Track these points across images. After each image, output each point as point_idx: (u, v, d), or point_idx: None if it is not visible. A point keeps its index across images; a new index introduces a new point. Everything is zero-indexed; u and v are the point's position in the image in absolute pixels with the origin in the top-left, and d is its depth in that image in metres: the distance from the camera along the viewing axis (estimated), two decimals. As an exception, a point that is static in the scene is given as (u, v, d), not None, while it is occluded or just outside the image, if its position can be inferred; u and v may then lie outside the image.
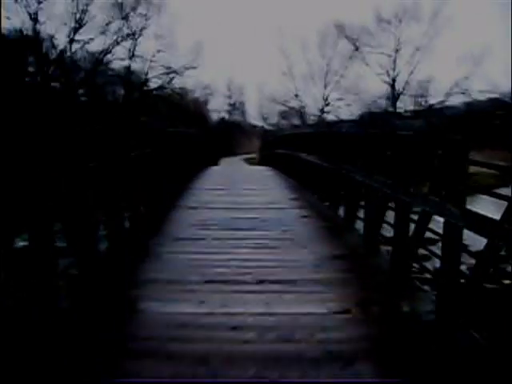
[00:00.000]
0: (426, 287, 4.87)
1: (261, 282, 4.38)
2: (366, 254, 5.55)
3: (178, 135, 12.38)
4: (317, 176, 9.59)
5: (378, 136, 5.70)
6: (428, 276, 5.03)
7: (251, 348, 3.15)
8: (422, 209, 4.53)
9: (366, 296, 4.14)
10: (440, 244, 4.07)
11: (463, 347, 3.26)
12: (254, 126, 52.88)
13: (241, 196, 9.86)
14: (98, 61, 37.97)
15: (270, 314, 3.69)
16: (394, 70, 39.95)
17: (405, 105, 41.91)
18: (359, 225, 6.84)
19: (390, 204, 5.57)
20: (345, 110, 44.60)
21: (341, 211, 7.95)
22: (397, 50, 39.42)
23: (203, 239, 5.94)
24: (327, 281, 4.46)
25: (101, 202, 5.50)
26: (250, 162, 34.24)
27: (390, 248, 6.42)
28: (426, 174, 5.06)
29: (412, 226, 4.97)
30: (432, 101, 40.40)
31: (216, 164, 24.03)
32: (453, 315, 3.69)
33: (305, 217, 7.54)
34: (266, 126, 49.28)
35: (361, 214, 6.88)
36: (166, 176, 9.84)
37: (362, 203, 6.68)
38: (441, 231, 4.41)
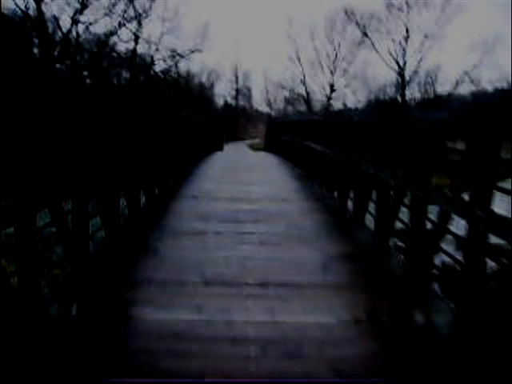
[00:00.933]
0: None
1: (264, 284, 4.02)
2: (376, 253, 5.20)
3: (182, 120, 12.00)
4: (325, 166, 9.22)
5: (393, 126, 5.31)
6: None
7: (253, 366, 2.80)
8: (441, 208, 4.18)
9: (378, 303, 3.78)
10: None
11: (485, 366, 2.91)
12: (260, 112, 52.46)
13: (244, 185, 9.51)
14: (103, 43, 37.48)
15: (274, 324, 3.34)
16: (403, 57, 39.22)
17: (412, 93, 41.36)
18: (368, 219, 6.52)
19: (404, 199, 5.24)
20: (351, 97, 44.14)
21: (349, 204, 7.62)
22: (407, 37, 38.71)
23: (203, 233, 5.59)
24: (335, 284, 4.11)
25: (96, 190, 5.17)
26: (254, 147, 33.84)
27: (402, 245, 6.15)
28: (443, 168, 4.70)
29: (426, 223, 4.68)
30: (440, 89, 39.81)
31: (221, 149, 23.66)
32: (475, 330, 3.36)
33: (311, 210, 7.18)
34: (272, 112, 48.92)
35: (371, 207, 6.55)
36: (169, 163, 9.50)
37: (372, 196, 6.36)
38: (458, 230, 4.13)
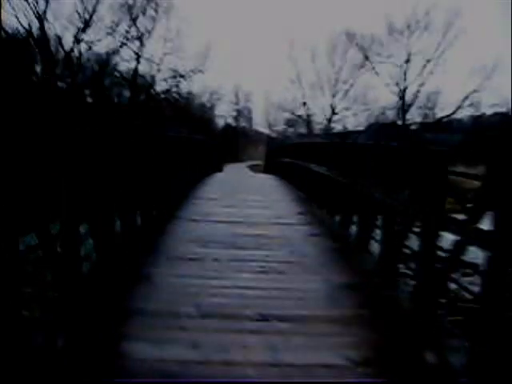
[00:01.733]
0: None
1: (265, 318, 3.73)
2: (383, 284, 4.88)
3: (182, 140, 11.77)
4: (327, 189, 8.95)
5: (403, 150, 5.05)
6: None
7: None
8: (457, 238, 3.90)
9: (388, 341, 3.49)
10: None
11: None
12: (260, 133, 52.38)
13: (245, 208, 9.22)
14: (105, 62, 37.53)
15: (276, 366, 3.04)
16: (404, 80, 39.24)
17: (412, 117, 41.28)
18: (373, 245, 6.25)
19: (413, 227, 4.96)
20: (352, 119, 44.10)
21: (353, 228, 7.35)
22: (407, 61, 38.75)
23: (201, 260, 5.29)
24: (341, 319, 3.81)
25: (89, 210, 4.89)
26: (254, 169, 33.64)
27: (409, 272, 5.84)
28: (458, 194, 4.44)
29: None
30: (441, 113, 39.77)
31: (220, 170, 23.46)
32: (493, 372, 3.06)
33: (314, 235, 6.89)
34: (272, 134, 48.85)
35: (375, 233, 6.27)
36: (168, 184, 9.24)
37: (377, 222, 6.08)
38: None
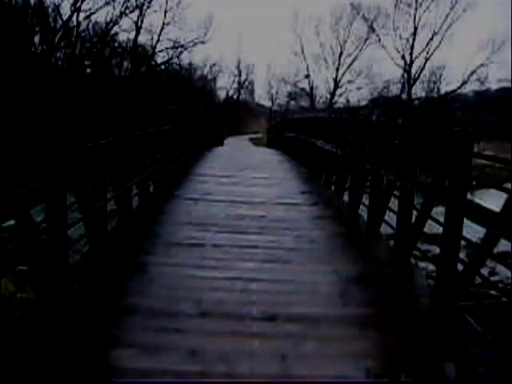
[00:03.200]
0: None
1: (272, 318, 3.33)
2: (398, 275, 4.48)
3: (181, 113, 11.29)
4: (334, 168, 8.52)
5: (429, 128, 4.59)
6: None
7: None
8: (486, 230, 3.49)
9: (406, 349, 3.08)
10: None
11: None
12: (262, 106, 51.73)
13: (247, 186, 8.79)
14: (104, 32, 36.70)
15: (286, 378, 2.65)
16: (410, 54, 38.41)
17: (416, 91, 40.57)
18: (385, 228, 5.87)
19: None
20: (355, 93, 43.41)
21: (362, 210, 6.95)
22: (414, 34, 37.87)
23: (201, 245, 4.88)
24: (357, 319, 3.41)
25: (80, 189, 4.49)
26: (256, 142, 33.16)
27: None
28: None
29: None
30: (446, 88, 39.03)
31: (222, 144, 22.96)
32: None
33: (322, 217, 6.47)
34: (274, 107, 48.25)
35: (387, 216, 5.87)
36: (166, 158, 8.80)
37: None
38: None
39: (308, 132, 11.72)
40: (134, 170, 6.46)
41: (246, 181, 9.48)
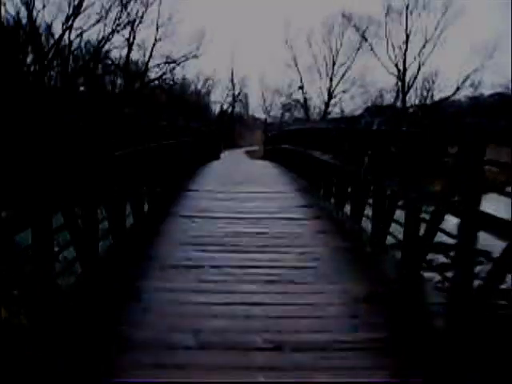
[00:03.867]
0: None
1: (279, 347, 3.06)
2: (410, 291, 4.21)
3: (176, 129, 11.06)
4: (334, 179, 8.28)
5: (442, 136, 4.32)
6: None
7: None
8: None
9: (432, 376, 2.82)
10: None
11: None
12: (256, 119, 51.63)
13: (245, 201, 8.52)
14: (96, 50, 36.56)
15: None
16: (404, 61, 38.35)
17: (410, 99, 40.46)
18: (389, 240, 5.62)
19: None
20: (349, 103, 43.33)
21: (364, 222, 6.70)
22: (406, 42, 37.84)
23: (198, 267, 4.60)
24: (371, 345, 3.13)
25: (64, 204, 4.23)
26: (252, 155, 32.94)
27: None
28: None
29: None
30: (441, 95, 38.94)
31: (218, 158, 22.75)
32: None
33: (324, 232, 6.20)
34: (269, 119, 48.15)
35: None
36: (161, 175, 8.56)
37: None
38: None
39: (305, 143, 11.50)
40: (127, 188, 6.22)
41: (244, 195, 9.22)
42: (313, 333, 3.27)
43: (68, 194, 4.18)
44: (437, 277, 5.94)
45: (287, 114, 47.88)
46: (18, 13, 31.79)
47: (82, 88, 36.99)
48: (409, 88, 39.18)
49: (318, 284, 4.24)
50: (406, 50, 38.21)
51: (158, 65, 37.89)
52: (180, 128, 11.97)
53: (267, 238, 5.75)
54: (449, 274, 4.41)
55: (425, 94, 40.04)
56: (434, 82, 39.10)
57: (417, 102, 40.25)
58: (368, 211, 6.68)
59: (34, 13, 32.80)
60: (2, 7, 27.88)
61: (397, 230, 5.65)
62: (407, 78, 39.34)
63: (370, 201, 6.50)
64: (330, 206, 8.15)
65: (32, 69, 33.77)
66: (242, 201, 8.54)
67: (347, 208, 7.66)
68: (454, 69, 54.95)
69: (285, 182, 11.75)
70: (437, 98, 39.09)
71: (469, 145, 3.68)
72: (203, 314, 3.51)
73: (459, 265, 3.81)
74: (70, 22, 33.91)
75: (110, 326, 3.37)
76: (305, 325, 3.40)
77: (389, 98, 41.40)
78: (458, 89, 37.40)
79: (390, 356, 3.02)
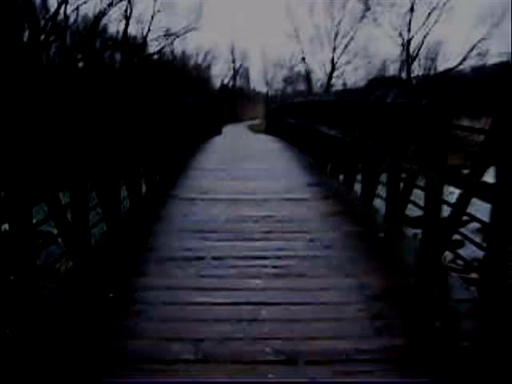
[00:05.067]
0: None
1: (292, 359, 2.64)
2: (435, 285, 3.78)
3: (175, 104, 10.55)
4: (343, 156, 7.82)
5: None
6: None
7: None
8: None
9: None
10: None
11: None
12: (258, 92, 50.91)
13: (248, 180, 8.09)
14: (94, 24, 35.73)
15: None
16: (408, 31, 37.37)
17: (414, 70, 39.56)
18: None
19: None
20: (352, 74, 42.55)
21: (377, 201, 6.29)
22: (411, 10, 36.78)
23: (199, 259, 4.18)
24: (396, 356, 2.71)
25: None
26: (254, 129, 32.46)
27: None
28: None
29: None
30: (445, 65, 38.03)
31: (220, 133, 22.29)
32: None
33: (334, 214, 5.77)
34: (271, 92, 47.49)
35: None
36: (160, 153, 8.10)
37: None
38: None
39: (310, 117, 10.99)
40: (122, 169, 5.80)
41: (247, 173, 8.80)
42: (330, 339, 2.85)
43: (51, 178, 3.75)
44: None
45: (289, 88, 47.09)
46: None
47: (80, 64, 36.30)
48: (414, 59, 38.26)
49: (332, 278, 3.81)
50: (410, 18, 37.15)
51: (157, 38, 37.05)
52: (180, 103, 11.46)
53: (273, 223, 5.32)
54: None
55: (430, 64, 39.15)
56: (440, 52, 38.18)
57: (421, 73, 39.36)
58: (380, 190, 6.27)
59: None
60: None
61: (412, 210, 5.25)
62: (412, 49, 38.42)
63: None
64: (339, 185, 7.71)
65: (28, 46, 33.05)
66: (246, 179, 8.11)
67: (356, 186, 7.25)
68: (460, 38, 53.71)
69: (289, 158, 11.29)
70: (442, 68, 38.21)
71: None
72: (204, 318, 3.09)
73: (490, 254, 3.40)
74: (65, -4, 33.05)
75: (102, 333, 2.97)
76: (320, 329, 2.98)
77: (393, 69, 40.57)
78: (464, 59, 36.48)
79: (420, 369, 2.60)
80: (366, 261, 4.22)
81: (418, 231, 6.07)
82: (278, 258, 4.21)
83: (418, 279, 3.86)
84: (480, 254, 4.05)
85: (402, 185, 5.19)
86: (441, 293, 3.66)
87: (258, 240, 4.71)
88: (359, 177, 6.91)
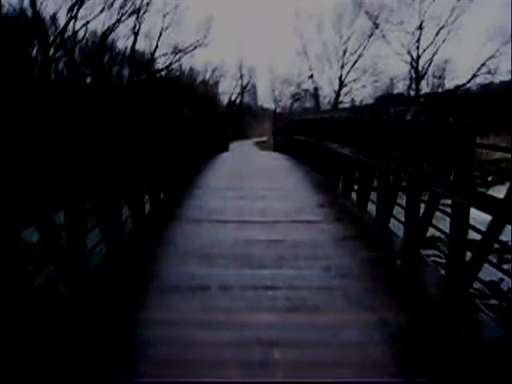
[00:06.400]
0: None
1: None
2: (462, 324, 3.42)
3: (183, 121, 10.27)
4: (355, 175, 7.50)
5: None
6: None
7: None
8: None
9: None
10: None
11: None
12: (265, 109, 50.74)
13: (257, 199, 7.74)
14: (102, 39, 35.81)
15: None
16: (417, 48, 37.19)
17: (422, 87, 39.35)
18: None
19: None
20: (360, 92, 42.38)
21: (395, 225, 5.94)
22: (420, 28, 36.65)
23: (205, 288, 3.82)
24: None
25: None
26: (262, 146, 32.24)
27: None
28: None
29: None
30: (456, 82, 37.78)
31: (227, 149, 22.04)
32: None
33: (349, 238, 5.40)
34: (278, 109, 47.37)
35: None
36: (166, 171, 7.81)
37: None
38: None
39: (321, 134, 10.66)
40: (124, 187, 5.50)
41: (255, 192, 8.45)
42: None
43: (43, 197, 3.43)
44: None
45: (297, 104, 46.95)
46: (21, 2, 31.04)
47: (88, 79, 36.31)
48: (422, 76, 38.04)
49: (350, 313, 3.44)
50: (418, 36, 37.00)
51: (165, 54, 37.07)
52: (187, 119, 11.19)
53: (284, 248, 4.96)
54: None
55: (438, 82, 38.93)
56: (449, 69, 37.96)
57: (428, 90, 39.15)
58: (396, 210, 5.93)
59: (38, 3, 32.07)
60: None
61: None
62: (420, 67, 38.22)
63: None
64: (352, 205, 7.37)
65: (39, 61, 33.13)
66: (254, 199, 7.76)
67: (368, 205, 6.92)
68: (468, 56, 53.48)
69: (299, 177, 10.95)
70: (450, 86, 37.96)
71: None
72: (209, 363, 2.73)
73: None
74: (74, 12, 33.16)
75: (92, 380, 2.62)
76: (341, 375, 2.61)
77: (400, 87, 40.38)
78: (474, 76, 36.23)
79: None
80: (386, 292, 3.85)
81: (429, 251, 5.77)
82: (291, 288, 3.85)
83: (443, 315, 3.49)
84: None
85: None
86: (469, 332, 3.28)
87: (268, 268, 4.35)
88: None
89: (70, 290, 3.69)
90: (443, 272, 4.51)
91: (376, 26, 38.22)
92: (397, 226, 6.11)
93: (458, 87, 35.89)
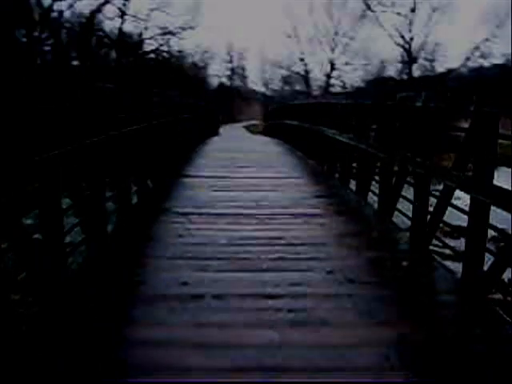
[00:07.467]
0: None
1: None
2: (484, 336, 3.05)
3: (170, 106, 9.81)
4: (354, 163, 7.11)
5: None
6: None
7: None
8: None
9: None
10: None
11: None
12: (256, 92, 50.08)
13: (250, 189, 7.33)
14: (89, 21, 34.93)
15: None
16: (410, 31, 36.64)
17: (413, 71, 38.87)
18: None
19: None
20: (352, 74, 41.91)
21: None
22: (413, 10, 36.05)
23: (197, 298, 3.41)
24: None
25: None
26: (252, 130, 31.73)
27: None
28: None
29: None
30: (446, 66, 37.37)
31: (217, 133, 21.59)
32: None
33: (351, 235, 5.00)
34: (268, 92, 46.85)
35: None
36: (153, 159, 7.37)
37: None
38: None
39: (316, 120, 10.23)
40: (109, 178, 5.09)
41: (248, 182, 8.03)
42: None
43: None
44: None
45: (287, 88, 46.39)
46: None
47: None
48: (415, 59, 37.54)
49: (362, 327, 3.04)
50: (411, 19, 36.44)
51: (153, 36, 36.26)
52: (176, 104, 10.71)
53: (283, 247, 4.56)
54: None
55: (430, 65, 38.48)
56: (441, 53, 37.49)
57: (419, 73, 38.71)
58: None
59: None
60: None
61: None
62: (414, 49, 37.72)
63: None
64: (352, 196, 6.98)
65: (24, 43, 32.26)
66: (247, 190, 7.35)
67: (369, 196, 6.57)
68: (462, 39, 52.97)
69: (293, 164, 10.54)
70: (441, 69, 37.54)
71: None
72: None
73: None
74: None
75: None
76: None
77: (391, 70, 39.92)
78: (467, 59, 35.77)
79: None
80: (398, 301, 3.46)
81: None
82: (293, 296, 3.45)
83: (461, 328, 3.12)
84: None
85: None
86: (490, 348, 2.90)
87: (267, 271, 3.95)
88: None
89: (42, 302, 3.29)
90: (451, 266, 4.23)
91: (368, 7, 37.62)
92: (400, 220, 5.75)
93: (450, 71, 35.43)
